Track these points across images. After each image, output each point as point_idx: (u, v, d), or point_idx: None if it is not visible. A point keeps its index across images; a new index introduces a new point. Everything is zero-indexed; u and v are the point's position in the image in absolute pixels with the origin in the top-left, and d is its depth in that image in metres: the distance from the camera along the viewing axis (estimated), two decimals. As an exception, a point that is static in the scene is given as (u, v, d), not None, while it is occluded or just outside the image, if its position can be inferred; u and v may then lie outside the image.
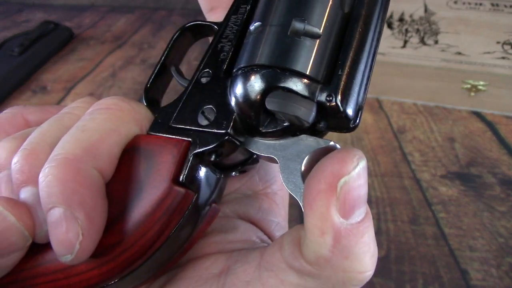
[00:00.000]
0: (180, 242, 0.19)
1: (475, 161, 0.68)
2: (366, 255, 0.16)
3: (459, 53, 0.76)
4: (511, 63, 0.74)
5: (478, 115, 0.78)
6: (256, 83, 0.18)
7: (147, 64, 1.00)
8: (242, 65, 0.19)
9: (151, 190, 0.17)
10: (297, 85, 0.17)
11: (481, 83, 0.77)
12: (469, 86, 0.77)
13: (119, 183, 0.18)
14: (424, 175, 0.65)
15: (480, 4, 0.71)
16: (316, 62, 0.18)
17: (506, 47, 0.73)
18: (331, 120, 0.18)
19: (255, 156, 0.21)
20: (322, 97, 0.17)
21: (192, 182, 0.18)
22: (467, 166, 0.67)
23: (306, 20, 0.18)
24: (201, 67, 0.21)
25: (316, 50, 0.18)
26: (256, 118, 0.18)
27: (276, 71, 0.18)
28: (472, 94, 0.78)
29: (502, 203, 0.60)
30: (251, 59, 0.18)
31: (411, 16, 0.76)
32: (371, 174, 0.65)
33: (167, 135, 0.19)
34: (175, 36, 0.23)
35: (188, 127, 0.19)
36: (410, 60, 0.79)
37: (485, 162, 0.68)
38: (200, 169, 0.19)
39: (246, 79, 0.18)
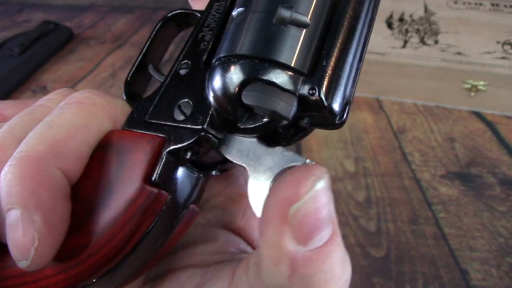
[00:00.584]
0: (154, 245, 0.17)
1: (475, 161, 0.68)
2: (330, 282, 0.14)
3: (459, 53, 0.76)
4: (511, 63, 0.74)
5: (478, 115, 0.78)
6: (233, 75, 0.16)
7: (147, 64, 1.00)
8: (221, 55, 0.17)
9: (122, 190, 0.16)
10: (277, 77, 0.16)
11: (481, 83, 0.77)
12: (469, 86, 0.77)
13: (90, 181, 0.17)
14: (424, 175, 0.65)
15: (480, 4, 0.70)
16: (299, 51, 0.16)
17: (506, 47, 0.73)
18: (315, 115, 0.17)
19: None
20: (304, 90, 0.16)
21: (166, 181, 0.17)
22: (467, 166, 0.67)
23: (294, 7, 0.16)
24: (180, 58, 0.19)
25: (299, 39, 0.16)
26: (234, 113, 0.17)
27: (254, 62, 0.16)
28: (472, 94, 0.78)
29: (502, 203, 0.60)
30: (231, 49, 0.17)
31: (411, 16, 0.76)
32: (371, 174, 0.65)
33: (141, 131, 0.18)
34: (157, 27, 0.22)
35: (163, 122, 0.18)
36: (410, 60, 0.79)
37: (485, 162, 0.68)
38: (176, 167, 0.18)
39: (223, 70, 0.17)
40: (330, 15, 0.17)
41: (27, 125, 0.18)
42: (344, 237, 0.55)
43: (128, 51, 1.05)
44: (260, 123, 0.17)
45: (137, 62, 0.21)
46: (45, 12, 1.29)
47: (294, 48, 0.16)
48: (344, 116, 0.17)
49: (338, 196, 0.61)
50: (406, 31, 0.77)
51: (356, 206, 0.60)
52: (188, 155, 0.17)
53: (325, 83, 0.16)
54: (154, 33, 0.22)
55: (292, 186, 0.14)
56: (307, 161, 0.16)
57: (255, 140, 0.18)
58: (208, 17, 0.20)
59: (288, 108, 0.16)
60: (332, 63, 0.16)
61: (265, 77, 0.16)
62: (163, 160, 0.17)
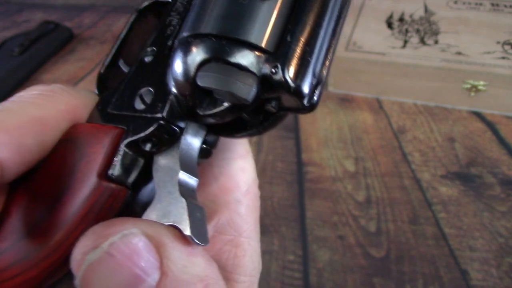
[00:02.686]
0: None
1: (475, 161, 0.68)
2: None
3: (459, 53, 0.76)
4: (511, 63, 0.74)
5: (478, 115, 0.78)
6: (189, 56, 0.15)
7: (147, 64, 1.00)
8: (180, 36, 0.16)
9: (78, 185, 0.15)
10: (235, 55, 0.14)
11: (481, 83, 0.76)
12: (469, 86, 0.77)
13: (50, 177, 0.16)
14: (424, 175, 0.65)
15: (480, 4, 0.70)
16: (262, 26, 0.14)
17: (506, 47, 0.73)
18: (283, 98, 0.15)
19: (206, 147, 0.18)
20: (266, 69, 0.14)
21: (126, 176, 0.16)
22: (467, 166, 0.67)
23: None
24: (147, 46, 0.18)
25: (260, 11, 0.14)
26: (192, 99, 0.16)
27: (212, 40, 0.14)
28: (472, 94, 0.78)
29: (502, 203, 0.60)
30: (189, 28, 0.16)
31: (411, 16, 0.76)
32: (371, 174, 0.65)
33: (102, 123, 0.17)
34: (132, 19, 0.20)
35: (124, 113, 0.17)
36: (410, 60, 0.79)
37: (485, 162, 0.67)
38: (137, 161, 0.16)
39: (181, 52, 0.15)
40: None
41: None
42: (344, 237, 0.55)
43: (128, 51, 1.05)
44: (220, 109, 0.15)
45: (112, 54, 0.21)
46: (45, 12, 1.29)
47: (254, 21, 0.14)
48: (315, 98, 0.15)
49: (338, 196, 0.61)
50: (406, 31, 0.77)
51: (356, 206, 0.60)
52: (148, 147, 0.16)
53: (290, 60, 0.14)
54: (129, 24, 0.21)
55: (73, 257, 0.13)
56: (187, 232, 0.14)
57: (182, 176, 0.16)
58: (177, 1, 0.19)
59: (246, 89, 0.14)
60: (298, 38, 0.14)
61: (222, 56, 0.14)
62: (122, 153, 0.16)
